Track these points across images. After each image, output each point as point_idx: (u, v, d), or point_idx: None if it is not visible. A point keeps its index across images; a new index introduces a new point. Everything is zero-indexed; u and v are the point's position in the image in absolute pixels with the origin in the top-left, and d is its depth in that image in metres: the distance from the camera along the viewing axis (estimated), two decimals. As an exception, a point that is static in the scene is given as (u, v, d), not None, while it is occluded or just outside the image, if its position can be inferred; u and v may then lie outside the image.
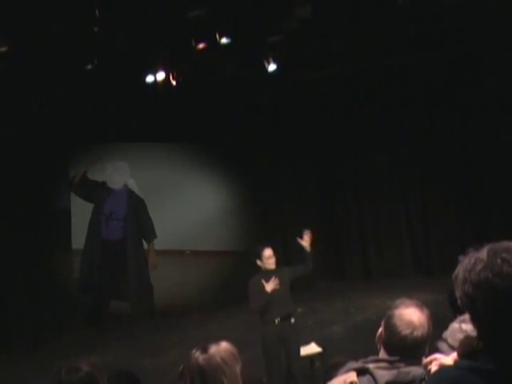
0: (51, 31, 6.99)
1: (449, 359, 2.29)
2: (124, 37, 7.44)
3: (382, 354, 2.55)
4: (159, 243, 10.34)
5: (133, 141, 10.40)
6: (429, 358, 2.37)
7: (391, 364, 2.48)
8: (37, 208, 9.75)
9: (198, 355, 2.74)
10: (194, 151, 10.67)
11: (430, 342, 2.58)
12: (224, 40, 7.71)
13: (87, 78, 8.31)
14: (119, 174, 10.22)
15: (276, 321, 6.42)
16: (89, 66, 7.98)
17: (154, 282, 10.19)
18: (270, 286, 6.34)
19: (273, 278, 6.36)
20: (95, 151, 10.23)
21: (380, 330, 2.61)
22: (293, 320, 6.53)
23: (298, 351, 6.56)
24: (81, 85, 8.64)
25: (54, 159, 9.85)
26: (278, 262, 6.65)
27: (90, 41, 7.35)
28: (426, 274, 10.36)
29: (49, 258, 9.91)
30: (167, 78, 8.46)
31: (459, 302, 1.67)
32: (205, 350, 2.75)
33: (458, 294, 1.66)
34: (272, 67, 8.59)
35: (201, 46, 7.78)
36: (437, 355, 2.39)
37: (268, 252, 6.54)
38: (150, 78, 8.52)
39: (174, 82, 8.51)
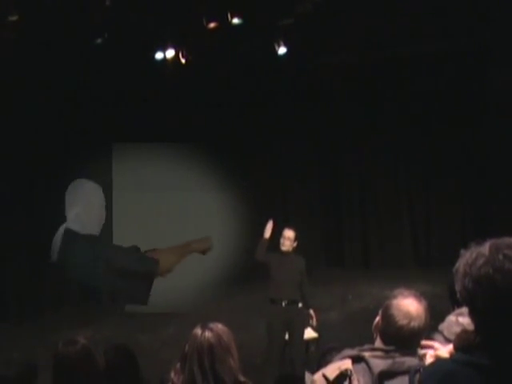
0: (62, 3, 6.95)
1: (445, 351, 2.30)
2: (135, 12, 7.39)
3: (378, 343, 2.56)
4: (159, 241, 10.30)
5: (134, 140, 10.37)
6: (425, 342, 2.39)
7: (386, 353, 2.48)
8: (39, 183, 9.79)
9: (207, 334, 2.76)
10: (195, 149, 10.63)
11: (427, 333, 2.59)
12: (236, 20, 7.65)
13: (96, 55, 8.28)
14: None
15: (283, 303, 6.48)
16: (98, 40, 7.93)
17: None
18: (268, 231, 6.57)
19: (270, 222, 6.61)
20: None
21: (377, 319, 2.61)
22: (300, 305, 6.59)
23: (302, 336, 6.62)
24: (89, 63, 8.61)
25: (56, 142, 9.83)
26: (297, 250, 6.70)
27: (101, 15, 7.31)
28: (426, 266, 10.38)
29: (49, 231, 9.92)
30: (176, 55, 8.41)
31: (458, 295, 1.67)
32: (212, 330, 2.78)
33: (457, 287, 1.66)
34: (282, 50, 8.55)
35: (212, 25, 7.73)
36: (435, 344, 2.40)
37: (287, 233, 6.63)
38: (159, 55, 8.46)
39: (183, 60, 8.46)
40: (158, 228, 10.35)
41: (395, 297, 2.57)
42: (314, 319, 6.66)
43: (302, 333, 6.63)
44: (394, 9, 8.02)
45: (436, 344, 2.39)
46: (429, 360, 2.24)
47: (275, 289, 6.54)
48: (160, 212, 10.50)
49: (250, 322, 7.64)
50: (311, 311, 6.67)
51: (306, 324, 6.71)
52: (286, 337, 6.60)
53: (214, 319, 2.92)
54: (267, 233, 6.60)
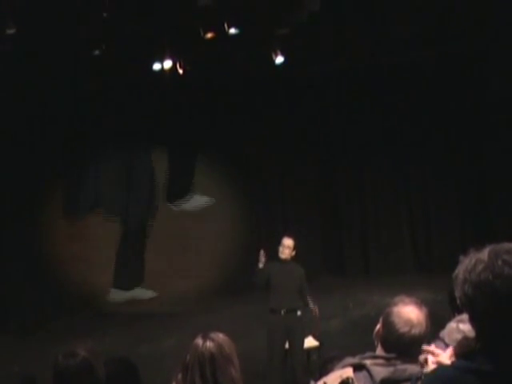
0: (60, 15, 6.97)
1: (445, 356, 2.29)
2: (133, 24, 7.42)
3: (379, 351, 2.56)
4: (159, 239, 10.37)
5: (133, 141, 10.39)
6: (425, 348, 2.38)
7: (388, 361, 2.48)
8: (38, 185, 9.84)
9: (208, 344, 2.75)
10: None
11: (427, 340, 2.58)
12: (232, 30, 7.68)
13: (93, 65, 8.31)
14: None
15: (282, 312, 6.47)
16: (96, 52, 7.96)
17: (155, 271, 10.20)
18: (261, 261, 6.53)
19: (261, 251, 6.52)
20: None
21: (378, 326, 2.61)
22: (299, 313, 6.58)
23: (302, 344, 6.61)
24: (86, 72, 8.66)
25: (56, 145, 9.87)
26: (295, 258, 6.68)
27: (99, 26, 7.34)
28: (426, 272, 10.36)
29: (49, 240, 9.95)
30: (174, 66, 8.43)
31: (458, 302, 1.67)
32: (213, 339, 2.77)
33: (457, 294, 1.66)
34: (279, 59, 8.57)
35: (209, 35, 7.76)
36: (436, 350, 2.39)
37: (286, 241, 6.63)
38: (156, 66, 8.49)
39: (180, 71, 8.48)
40: (157, 229, 10.40)
41: (396, 304, 2.57)
42: (317, 311, 6.67)
43: (302, 341, 6.61)
44: (392, 14, 8.05)
45: (437, 350, 2.38)
46: (430, 367, 2.24)
47: (274, 297, 6.54)
48: (157, 213, 10.52)
49: (250, 331, 7.62)
50: (316, 308, 6.68)
51: (307, 332, 6.70)
52: (287, 345, 6.59)
53: (214, 329, 2.92)
54: (261, 263, 6.55)
